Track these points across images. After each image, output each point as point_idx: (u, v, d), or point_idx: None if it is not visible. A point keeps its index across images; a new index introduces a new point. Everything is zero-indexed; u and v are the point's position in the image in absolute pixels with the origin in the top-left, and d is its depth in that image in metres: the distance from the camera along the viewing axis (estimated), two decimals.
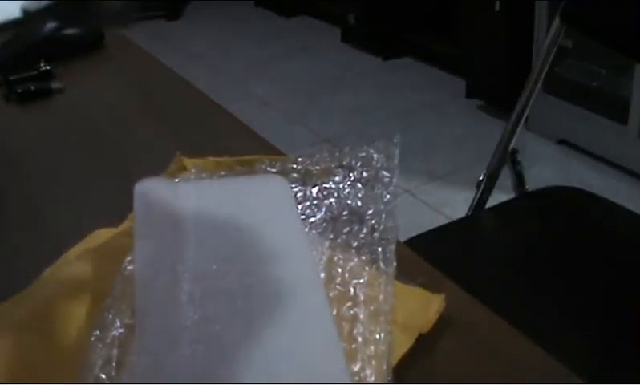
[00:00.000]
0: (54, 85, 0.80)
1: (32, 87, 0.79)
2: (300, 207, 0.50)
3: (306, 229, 0.48)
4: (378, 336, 0.39)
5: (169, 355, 0.37)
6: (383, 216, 0.48)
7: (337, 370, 0.37)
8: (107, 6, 0.95)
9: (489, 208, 1.02)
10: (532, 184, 1.03)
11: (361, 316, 0.40)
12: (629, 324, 0.73)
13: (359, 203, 0.50)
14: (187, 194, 0.50)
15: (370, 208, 0.49)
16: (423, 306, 0.42)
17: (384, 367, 0.37)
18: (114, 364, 0.37)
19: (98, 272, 0.46)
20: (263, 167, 0.55)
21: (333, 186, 0.52)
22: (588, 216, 0.96)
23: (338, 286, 0.43)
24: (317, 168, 0.54)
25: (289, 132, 2.53)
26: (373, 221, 0.48)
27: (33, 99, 0.78)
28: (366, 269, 0.44)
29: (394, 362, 0.38)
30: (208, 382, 0.36)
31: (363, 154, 0.55)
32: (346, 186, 0.52)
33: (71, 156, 0.66)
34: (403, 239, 0.51)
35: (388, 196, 0.50)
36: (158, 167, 0.56)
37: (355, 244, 0.46)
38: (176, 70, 0.86)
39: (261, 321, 0.39)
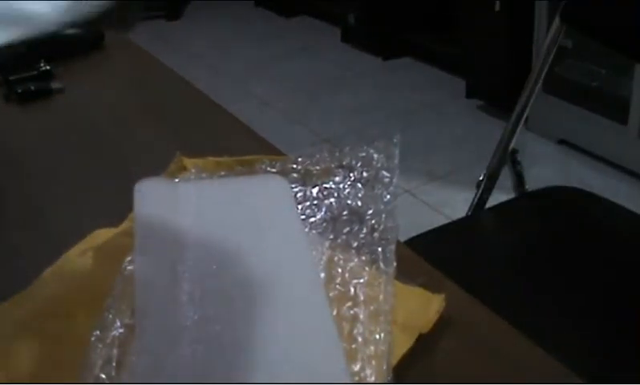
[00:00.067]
0: (54, 85, 0.80)
1: (32, 87, 0.79)
2: (300, 207, 0.50)
3: (306, 229, 0.48)
4: (378, 336, 0.39)
5: (169, 355, 0.37)
6: (383, 216, 0.48)
7: (337, 370, 0.37)
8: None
9: (489, 208, 1.02)
10: (532, 184, 1.03)
11: (361, 316, 0.40)
12: (629, 324, 0.73)
13: (359, 203, 0.50)
14: (187, 194, 0.50)
15: (370, 208, 0.49)
16: (423, 306, 0.42)
17: (384, 367, 0.37)
18: (114, 364, 0.37)
19: (98, 272, 0.46)
20: (263, 167, 0.55)
21: (333, 186, 0.52)
22: (588, 216, 0.96)
23: (338, 286, 0.43)
24: (318, 168, 0.54)
25: (289, 132, 2.53)
26: (373, 221, 0.48)
27: (33, 99, 0.78)
28: (366, 269, 0.44)
29: (394, 362, 0.38)
30: (208, 383, 0.36)
31: (363, 154, 0.55)
32: (346, 186, 0.52)
33: (71, 156, 0.66)
34: (403, 239, 0.51)
35: (388, 196, 0.50)
36: (158, 167, 0.56)
37: (355, 244, 0.46)
38: (176, 70, 0.86)
39: (261, 321, 0.39)
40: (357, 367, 0.37)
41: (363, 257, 0.45)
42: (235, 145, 0.61)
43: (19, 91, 0.78)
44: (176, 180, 0.53)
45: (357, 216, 0.49)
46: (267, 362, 0.37)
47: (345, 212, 0.49)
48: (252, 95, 2.91)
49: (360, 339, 0.39)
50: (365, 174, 0.53)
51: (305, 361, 0.38)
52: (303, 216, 0.49)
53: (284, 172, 0.54)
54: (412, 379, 0.38)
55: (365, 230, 0.47)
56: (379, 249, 0.45)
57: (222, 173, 0.54)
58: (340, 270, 0.44)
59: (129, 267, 0.43)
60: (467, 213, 1.03)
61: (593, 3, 0.95)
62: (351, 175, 0.53)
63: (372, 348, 0.38)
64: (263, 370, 0.36)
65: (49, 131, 0.71)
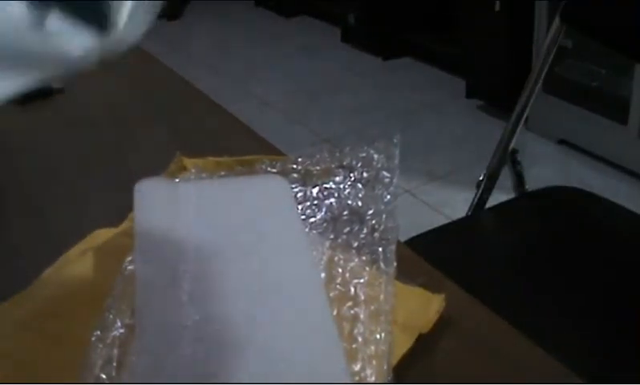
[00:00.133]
0: (54, 85, 0.80)
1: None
2: (300, 207, 0.50)
3: (307, 229, 0.48)
4: (378, 336, 0.39)
5: (169, 355, 0.37)
6: (384, 216, 0.48)
7: (337, 370, 0.37)
8: None
9: (489, 208, 1.02)
10: (532, 184, 1.03)
11: (361, 316, 0.40)
12: (629, 324, 0.73)
13: (360, 203, 0.50)
14: (187, 194, 0.50)
15: (370, 209, 0.49)
16: (423, 306, 0.42)
17: (384, 367, 0.37)
18: (114, 364, 0.37)
19: (98, 272, 0.46)
20: (263, 167, 0.55)
21: (333, 186, 0.52)
22: (588, 216, 0.96)
23: (338, 286, 0.43)
24: (318, 168, 0.54)
25: (289, 132, 2.53)
26: (373, 221, 0.48)
27: (33, 99, 0.78)
28: (367, 269, 0.44)
29: (395, 362, 0.38)
30: (208, 383, 0.36)
31: (364, 154, 0.55)
32: (346, 186, 0.52)
33: (71, 156, 0.66)
34: (403, 239, 0.51)
35: (388, 197, 0.50)
36: (158, 167, 0.56)
37: (356, 244, 0.46)
38: (176, 70, 0.86)
39: (261, 321, 0.39)
40: (357, 367, 0.37)
41: (364, 257, 0.45)
42: (235, 145, 0.61)
43: None
44: (176, 180, 0.53)
45: (357, 217, 0.49)
46: (267, 362, 0.37)
47: (345, 213, 0.49)
48: (252, 95, 2.91)
49: (360, 339, 0.39)
50: (365, 174, 0.53)
51: (305, 361, 0.38)
52: (303, 217, 0.49)
53: (284, 172, 0.54)
54: (412, 379, 0.38)
55: (365, 230, 0.47)
56: (380, 249, 0.45)
57: (222, 173, 0.54)
58: (340, 270, 0.44)
59: (129, 267, 0.43)
60: (467, 213, 1.03)
61: (593, 3, 0.95)
62: (351, 175, 0.53)
63: (372, 348, 0.38)
64: (263, 369, 0.36)
65: (49, 131, 0.71)
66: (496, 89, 2.43)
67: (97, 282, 0.44)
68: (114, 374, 0.37)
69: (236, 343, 0.38)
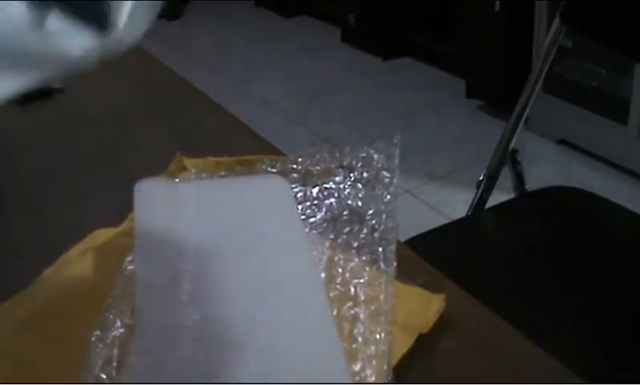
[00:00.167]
0: (54, 85, 0.80)
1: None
2: (300, 207, 0.50)
3: (307, 229, 0.48)
4: (378, 336, 0.39)
5: (169, 355, 0.37)
6: (384, 216, 0.48)
7: (337, 370, 0.37)
8: None
9: (489, 208, 1.02)
10: (532, 184, 1.03)
11: (361, 316, 0.40)
12: (629, 324, 0.73)
13: (360, 203, 0.50)
14: (187, 194, 0.50)
15: (370, 209, 0.49)
16: (423, 306, 0.42)
17: (384, 367, 0.37)
18: (114, 364, 0.37)
19: (98, 272, 0.46)
20: (263, 167, 0.55)
21: (333, 186, 0.52)
22: (588, 216, 0.96)
23: (338, 286, 0.43)
24: (318, 168, 0.54)
25: (289, 132, 2.53)
26: (373, 221, 0.48)
27: (33, 99, 0.78)
28: (367, 269, 0.44)
29: (395, 362, 0.38)
30: (208, 383, 0.36)
31: (364, 154, 0.55)
32: (346, 186, 0.52)
33: (71, 156, 0.66)
34: (403, 239, 0.51)
35: (388, 197, 0.50)
36: (158, 167, 0.56)
37: (356, 244, 0.46)
38: (176, 71, 0.86)
39: (261, 321, 0.39)
40: (357, 367, 0.37)
41: (364, 257, 0.45)
42: (235, 145, 0.61)
43: None
44: (176, 180, 0.53)
45: (357, 217, 0.49)
46: (267, 362, 0.37)
47: (345, 213, 0.49)
48: (252, 95, 2.91)
49: (360, 339, 0.39)
50: (365, 174, 0.53)
51: (305, 361, 0.38)
52: (303, 217, 0.49)
53: (284, 172, 0.54)
54: (412, 379, 0.38)
55: (365, 230, 0.47)
56: (380, 249, 0.45)
57: (222, 173, 0.54)
58: (340, 270, 0.44)
59: (129, 267, 0.43)
60: (467, 213, 1.03)
61: (593, 3, 0.95)
62: (351, 175, 0.53)
63: (372, 348, 0.38)
64: (263, 369, 0.36)
65: (49, 131, 0.71)
66: (496, 89, 2.43)
67: (97, 282, 0.44)
68: (114, 374, 0.37)
69: (237, 343, 0.38)
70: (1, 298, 0.44)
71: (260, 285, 0.42)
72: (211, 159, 0.57)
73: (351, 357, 0.38)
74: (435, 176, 2.16)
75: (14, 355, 0.40)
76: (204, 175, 0.54)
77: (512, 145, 1.02)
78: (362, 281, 0.43)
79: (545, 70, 0.99)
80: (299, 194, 0.52)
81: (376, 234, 0.47)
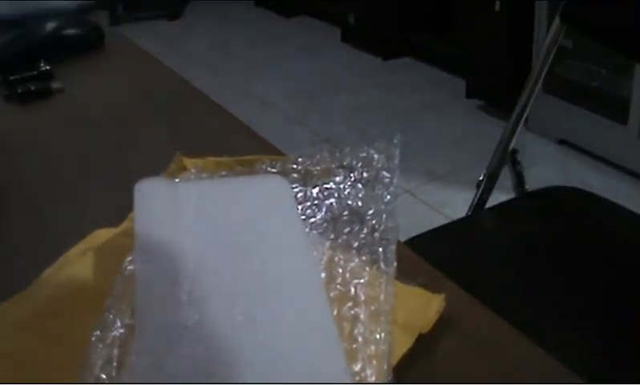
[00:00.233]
0: (54, 85, 0.80)
1: (32, 87, 0.79)
2: (300, 207, 0.50)
3: (307, 230, 0.48)
4: (378, 336, 0.39)
5: (169, 355, 0.37)
6: (384, 216, 0.48)
7: (337, 370, 0.37)
8: None
9: (489, 208, 1.02)
10: (532, 184, 1.03)
11: (361, 316, 0.40)
12: (629, 324, 0.73)
13: (360, 203, 0.50)
14: (187, 194, 0.50)
15: (370, 209, 0.49)
16: (423, 306, 0.42)
17: (384, 367, 0.37)
18: (114, 364, 0.37)
19: (98, 272, 0.46)
20: (263, 167, 0.55)
21: (333, 186, 0.52)
22: (588, 216, 0.96)
23: (338, 286, 0.43)
24: (318, 168, 0.54)
25: (289, 132, 2.53)
26: (373, 222, 0.48)
27: (33, 99, 0.78)
28: (367, 269, 0.44)
29: (395, 362, 0.38)
30: (208, 383, 0.36)
31: (364, 154, 0.54)
32: (346, 186, 0.52)
33: (71, 156, 0.66)
34: (403, 239, 0.51)
35: (388, 197, 0.50)
36: (158, 167, 0.56)
37: (356, 244, 0.46)
38: (176, 71, 0.86)
39: (261, 321, 0.39)
40: (357, 367, 0.37)
41: (364, 258, 0.45)
42: (235, 145, 0.61)
43: (19, 91, 0.78)
44: (176, 180, 0.53)
45: (357, 217, 0.49)
46: (267, 362, 0.37)
47: (345, 213, 0.49)
48: (252, 95, 2.91)
49: (360, 339, 0.39)
50: (365, 174, 0.53)
51: (305, 361, 0.38)
52: (304, 217, 0.49)
53: (284, 172, 0.54)
54: (412, 379, 0.38)
55: (365, 230, 0.47)
56: (380, 250, 0.45)
57: (222, 173, 0.54)
58: (341, 270, 0.44)
59: (129, 267, 0.43)
60: (467, 213, 1.03)
61: (593, 3, 0.95)
62: (352, 175, 0.53)
63: (373, 348, 0.38)
64: (263, 370, 0.36)
65: (49, 131, 0.71)
66: (496, 89, 2.43)
67: (97, 282, 0.44)
68: (114, 374, 0.37)
69: (237, 343, 0.38)
70: (1, 298, 0.44)
71: (260, 285, 0.42)
72: (211, 159, 0.57)
73: (351, 357, 0.38)
74: (435, 176, 2.16)
75: (14, 355, 0.40)
76: (204, 175, 0.54)
77: (512, 145, 1.02)
78: (362, 281, 0.43)
79: (545, 70, 0.99)
80: (299, 194, 0.51)
81: (376, 234, 0.47)
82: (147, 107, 0.77)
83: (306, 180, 0.53)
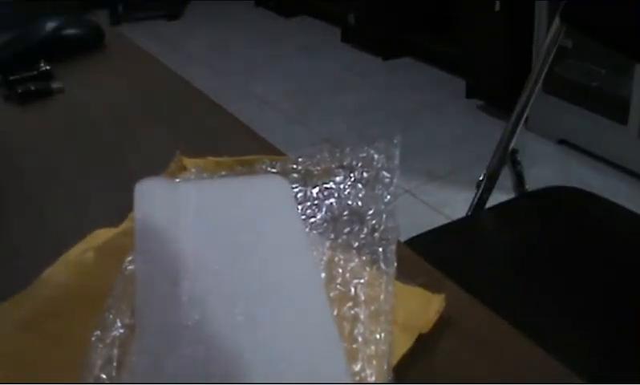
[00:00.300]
0: (54, 85, 0.80)
1: (32, 87, 0.79)
2: (300, 207, 0.50)
3: (307, 230, 0.48)
4: (378, 336, 0.39)
5: (169, 355, 0.37)
6: (384, 216, 0.48)
7: (337, 370, 0.37)
8: None
9: (489, 208, 1.02)
10: (532, 184, 1.03)
11: (361, 316, 0.40)
12: (629, 324, 0.73)
13: (360, 203, 0.50)
14: (187, 194, 0.50)
15: (370, 209, 0.49)
16: (423, 306, 0.42)
17: (385, 367, 0.37)
18: (114, 364, 0.37)
19: (98, 272, 0.46)
20: (263, 167, 0.55)
21: (333, 186, 0.52)
22: (588, 216, 0.96)
23: (338, 286, 0.43)
24: (318, 168, 0.54)
25: (289, 132, 2.53)
26: (373, 222, 0.48)
27: (33, 99, 0.78)
28: (367, 269, 0.44)
29: (394, 362, 0.38)
30: (208, 383, 0.36)
31: (364, 154, 0.55)
32: (346, 186, 0.52)
33: (71, 156, 0.66)
34: (403, 239, 0.51)
35: (389, 197, 0.50)
36: (158, 167, 0.56)
37: (356, 244, 0.46)
38: (176, 71, 0.86)
39: (261, 321, 0.39)
40: (357, 367, 0.37)
41: (364, 258, 0.45)
42: (235, 145, 0.61)
43: (19, 91, 0.78)
44: (176, 180, 0.53)
45: (357, 217, 0.49)
46: (267, 362, 0.37)
47: (345, 213, 0.49)
48: (252, 95, 2.91)
49: (361, 339, 0.39)
50: (365, 174, 0.53)
51: (305, 361, 0.38)
52: (304, 217, 0.49)
53: (284, 172, 0.54)
54: (412, 379, 0.38)
55: (365, 230, 0.47)
56: (380, 250, 0.45)
57: (222, 173, 0.54)
58: (341, 270, 0.44)
59: (129, 267, 0.43)
60: (467, 213, 1.03)
61: (593, 3, 0.95)
62: (352, 175, 0.53)
63: (373, 348, 0.38)
64: (263, 370, 0.36)
65: (49, 131, 0.71)
66: (496, 89, 2.43)
67: (97, 282, 0.44)
68: (114, 374, 0.37)
69: (237, 343, 0.38)
70: (1, 298, 0.44)
71: (260, 285, 0.42)
72: (211, 159, 0.57)
73: (351, 357, 0.38)
74: (435, 176, 2.16)
75: (14, 355, 0.40)
76: (204, 175, 0.54)
77: (512, 145, 1.02)
78: (362, 281, 0.43)
79: (545, 70, 0.99)
80: (299, 194, 0.52)
81: (376, 234, 0.47)
82: (147, 107, 0.77)
83: (306, 180, 0.53)
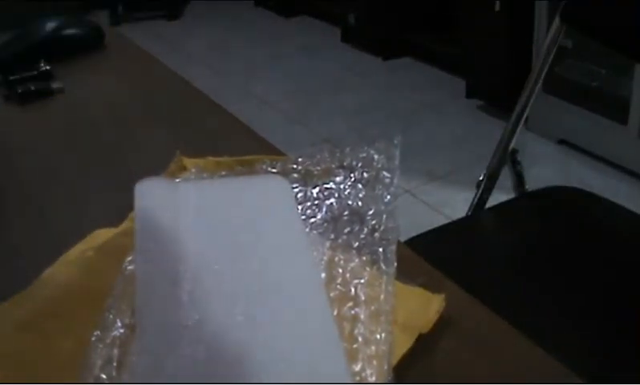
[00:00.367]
0: (54, 85, 0.80)
1: (32, 87, 0.79)
2: (300, 207, 0.50)
3: (307, 230, 0.48)
4: (379, 336, 0.39)
5: (169, 355, 0.37)
6: (384, 216, 0.48)
7: (338, 370, 0.37)
8: None
9: (489, 208, 1.02)
10: (532, 184, 1.03)
11: (362, 316, 0.40)
12: (629, 324, 0.73)
13: (360, 203, 0.50)
14: (187, 194, 0.50)
15: (370, 209, 0.49)
16: (423, 306, 0.42)
17: (385, 367, 0.37)
18: (114, 364, 0.37)
19: (98, 272, 0.46)
20: (264, 167, 0.55)
21: (334, 186, 0.52)
22: (588, 216, 0.96)
23: (338, 286, 0.43)
24: (318, 168, 0.54)
25: (289, 132, 2.53)
26: (374, 222, 0.48)
27: (33, 99, 0.78)
28: (367, 269, 0.44)
29: (395, 362, 0.38)
30: (208, 383, 0.36)
31: (364, 155, 0.55)
32: (346, 186, 0.52)
33: (71, 156, 0.66)
34: (403, 239, 0.51)
35: (389, 197, 0.50)
36: (158, 167, 0.56)
37: (356, 244, 0.46)
38: (176, 71, 0.86)
39: (261, 321, 0.39)
40: (358, 367, 0.37)
41: (364, 258, 0.45)
42: (235, 145, 0.61)
43: (19, 91, 0.78)
44: (177, 180, 0.53)
45: (357, 217, 0.49)
46: (268, 363, 0.37)
47: (345, 213, 0.49)
48: (252, 95, 2.91)
49: (361, 339, 0.39)
50: (365, 175, 0.53)
51: (306, 361, 0.38)
52: (304, 217, 0.49)
53: (284, 172, 0.54)
54: (412, 379, 0.38)
55: (365, 230, 0.47)
56: (380, 250, 0.45)
57: (222, 173, 0.54)
58: (341, 271, 0.44)
59: (130, 267, 0.43)
60: (467, 213, 1.03)
61: (593, 3, 0.95)
62: (352, 175, 0.53)
63: (373, 348, 0.38)
64: (263, 370, 0.36)
65: (49, 131, 0.71)
66: (496, 89, 2.43)
67: (97, 282, 0.44)
68: (114, 374, 0.37)
69: (237, 343, 0.38)
70: (1, 298, 0.44)
71: (260, 285, 0.42)
72: (211, 159, 0.57)
73: (352, 357, 0.38)
74: (435, 176, 2.16)
75: (14, 355, 0.40)
76: (204, 175, 0.54)
77: (512, 145, 1.02)
78: (362, 281, 0.43)
79: (545, 70, 0.99)
80: (299, 194, 0.52)
81: (376, 234, 0.47)
82: (147, 107, 0.77)
83: (306, 180, 0.53)
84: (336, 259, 0.45)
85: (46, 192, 0.60)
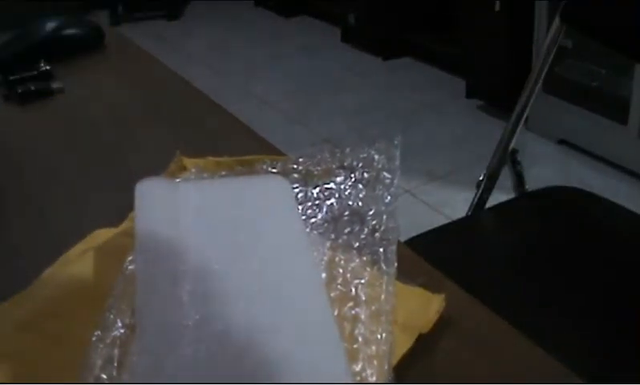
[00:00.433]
0: (54, 85, 0.80)
1: (32, 87, 0.79)
2: (301, 207, 0.50)
3: (307, 230, 0.48)
4: (379, 336, 0.39)
5: (170, 355, 0.37)
6: (384, 216, 0.48)
7: (338, 370, 0.37)
8: None
9: (489, 208, 1.02)
10: (532, 184, 1.03)
11: (362, 316, 0.40)
12: (629, 324, 0.73)
13: (360, 203, 0.50)
14: (187, 194, 0.50)
15: (371, 209, 0.49)
16: (423, 306, 0.42)
17: (385, 367, 0.37)
18: (115, 364, 0.37)
19: (98, 272, 0.46)
20: (264, 167, 0.55)
21: (334, 187, 0.52)
22: (588, 216, 0.96)
23: (339, 287, 0.43)
24: (319, 168, 0.54)
25: (289, 132, 2.53)
26: (374, 222, 0.48)
27: (33, 99, 0.78)
28: (367, 269, 0.44)
29: (395, 362, 0.38)
30: (209, 383, 0.36)
31: (364, 155, 0.55)
32: (347, 187, 0.52)
33: (71, 156, 0.66)
34: (403, 239, 0.51)
35: (389, 197, 0.50)
36: (158, 167, 0.56)
37: (356, 244, 0.46)
38: (176, 71, 0.86)
39: (262, 321, 0.39)
40: (358, 367, 0.37)
41: (364, 258, 0.45)
42: (235, 145, 0.61)
43: (19, 91, 0.78)
44: (177, 180, 0.53)
45: (358, 217, 0.49)
46: (268, 363, 0.37)
47: (346, 213, 0.49)
48: (252, 95, 2.91)
49: (361, 339, 0.39)
50: (366, 175, 0.53)
51: (306, 361, 0.38)
52: (304, 217, 0.49)
53: (285, 173, 0.54)
54: (412, 379, 0.38)
55: (366, 231, 0.47)
56: (380, 250, 0.45)
57: (222, 173, 0.54)
58: (341, 271, 0.44)
59: (130, 267, 0.43)
60: (467, 213, 1.03)
61: (593, 3, 0.95)
62: (352, 175, 0.53)
63: (373, 348, 0.38)
64: (264, 370, 0.36)
65: (49, 131, 0.71)
66: (496, 89, 2.43)
67: (97, 282, 0.44)
68: (114, 374, 0.37)
69: (237, 343, 0.38)
70: (1, 298, 0.44)
71: (260, 286, 0.42)
72: (211, 159, 0.57)
73: (352, 357, 0.38)
74: (435, 176, 2.16)
75: (14, 355, 0.40)
76: (204, 175, 0.54)
77: (512, 145, 1.02)
78: (362, 281, 0.43)
79: (545, 70, 0.99)
80: (300, 194, 0.52)
81: (377, 235, 0.47)
82: (147, 107, 0.77)
83: (307, 180, 0.53)
84: (336, 259, 0.45)
85: (46, 192, 0.60)
